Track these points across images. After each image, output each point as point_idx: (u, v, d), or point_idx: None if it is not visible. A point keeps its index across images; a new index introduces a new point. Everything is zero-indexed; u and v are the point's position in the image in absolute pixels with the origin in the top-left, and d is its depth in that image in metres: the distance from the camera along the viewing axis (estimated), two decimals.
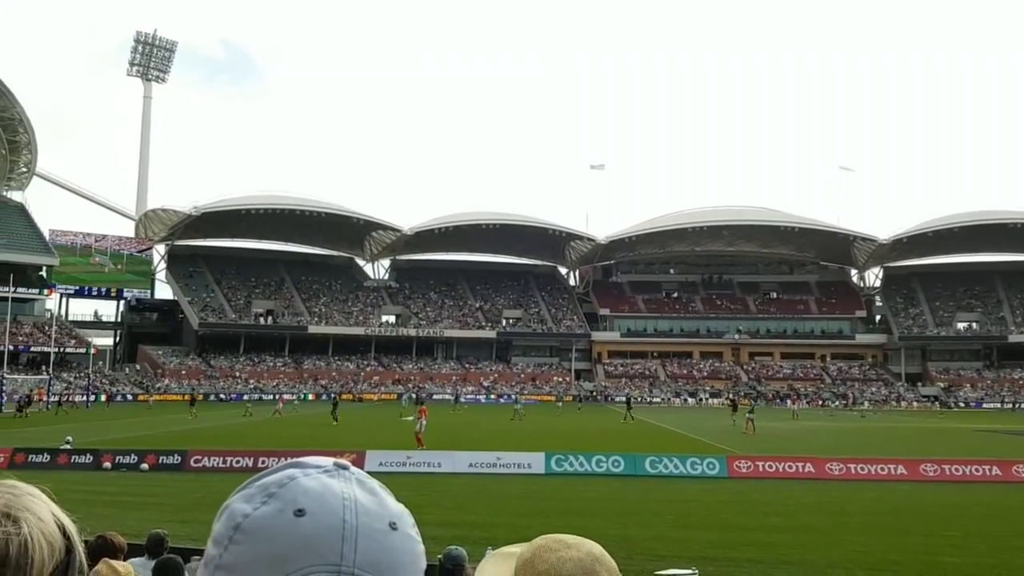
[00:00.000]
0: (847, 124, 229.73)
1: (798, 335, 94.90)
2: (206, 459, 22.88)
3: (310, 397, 77.01)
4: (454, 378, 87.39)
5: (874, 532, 14.95)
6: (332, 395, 63.10)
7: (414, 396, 49.29)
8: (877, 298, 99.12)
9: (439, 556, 6.55)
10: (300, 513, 0.75)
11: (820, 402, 77.53)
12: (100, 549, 4.31)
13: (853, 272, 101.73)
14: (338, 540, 0.74)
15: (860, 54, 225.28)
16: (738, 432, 38.00)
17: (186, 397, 60.69)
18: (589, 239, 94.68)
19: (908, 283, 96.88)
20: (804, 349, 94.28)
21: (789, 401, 68.69)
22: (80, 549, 0.81)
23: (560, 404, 69.62)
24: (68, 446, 24.34)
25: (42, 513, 0.81)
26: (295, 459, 0.83)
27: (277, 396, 64.27)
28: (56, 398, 56.55)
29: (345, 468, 0.80)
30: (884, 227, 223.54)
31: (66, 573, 0.78)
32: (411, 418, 32.79)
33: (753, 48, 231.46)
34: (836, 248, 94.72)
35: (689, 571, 6.46)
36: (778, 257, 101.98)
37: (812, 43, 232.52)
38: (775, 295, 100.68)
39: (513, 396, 72.00)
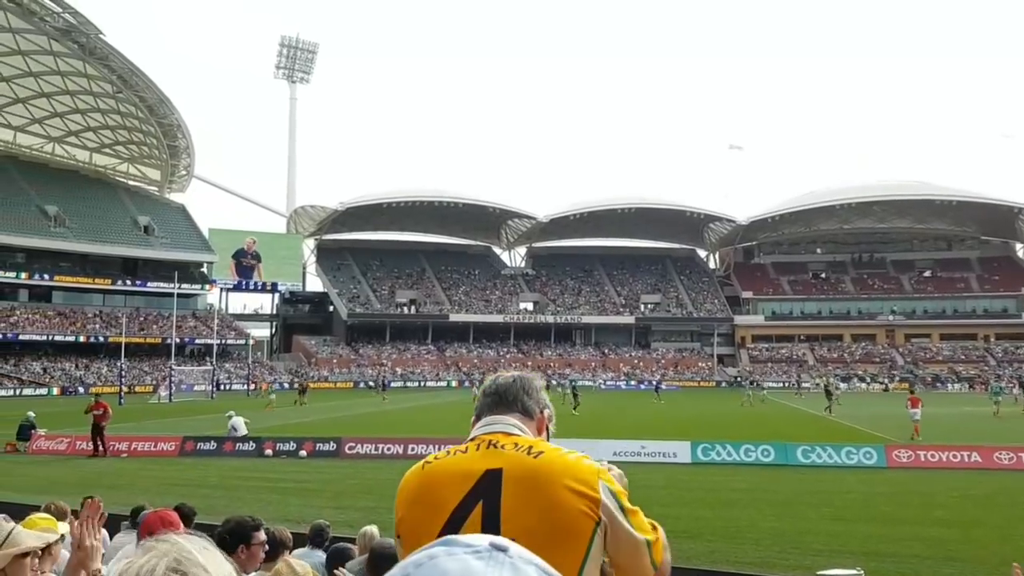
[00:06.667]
0: (1008, 87, 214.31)
1: (958, 315, 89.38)
2: (359, 446, 23.73)
3: (453, 384, 78.63)
4: (593, 364, 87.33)
5: None
6: (476, 380, 64.09)
7: (574, 385, 48.96)
8: None
9: None
10: None
11: (985, 386, 72.89)
12: (272, 543, 4.52)
13: (1019, 247, 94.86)
14: None
15: None
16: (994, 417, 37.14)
17: (303, 384, 63.95)
18: (729, 220, 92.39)
19: None
20: (965, 330, 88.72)
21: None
22: None
23: (759, 393, 54.17)
24: (244, 431, 25.81)
25: (213, 568, 0.77)
26: (451, 536, 0.75)
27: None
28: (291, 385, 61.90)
29: (503, 550, 0.71)
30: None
31: None
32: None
33: (898, 8, 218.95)
34: (999, 221, 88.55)
35: (854, 571, 6.14)
36: (935, 233, 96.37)
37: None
38: (932, 273, 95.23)
39: (653, 382, 71.19)
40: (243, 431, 25.48)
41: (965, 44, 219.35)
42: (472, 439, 1.83)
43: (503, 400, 1.90)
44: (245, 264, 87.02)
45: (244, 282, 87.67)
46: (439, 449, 1.91)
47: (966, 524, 14.18)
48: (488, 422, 1.87)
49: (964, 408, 43.88)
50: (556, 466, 1.69)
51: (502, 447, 1.75)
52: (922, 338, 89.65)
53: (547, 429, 1.96)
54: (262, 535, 3.80)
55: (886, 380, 79.09)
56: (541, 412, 1.94)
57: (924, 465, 21.26)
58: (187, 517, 6.61)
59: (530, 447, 1.74)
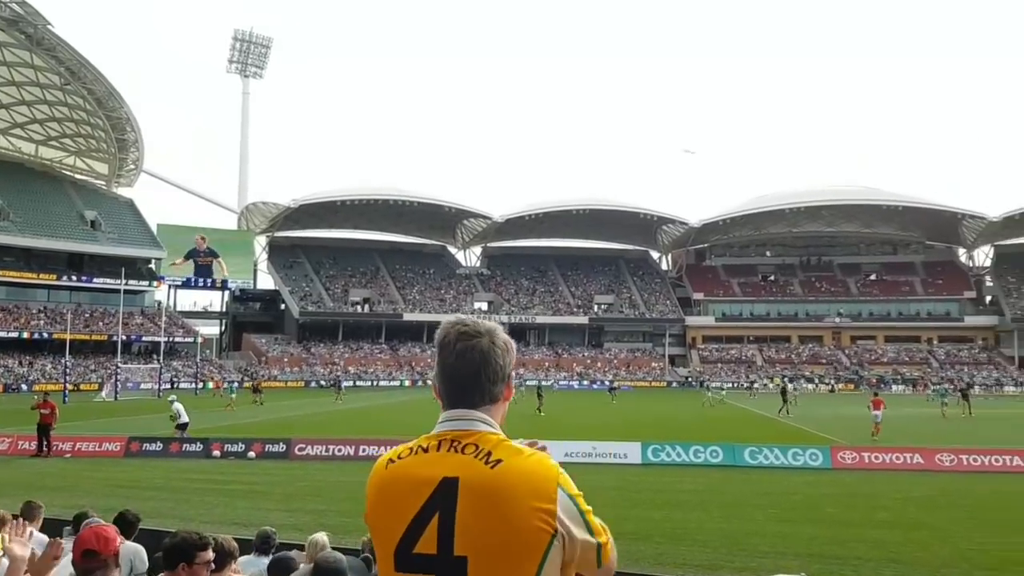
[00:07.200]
0: (957, 95, 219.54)
1: (903, 317, 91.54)
2: (309, 447, 23.47)
3: (407, 383, 78.33)
4: (546, 364, 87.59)
5: (992, 529, 14.25)
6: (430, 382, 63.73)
7: (539, 385, 48.67)
8: (987, 278, 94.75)
9: None
10: None
11: (925, 387, 74.69)
12: (219, 554, 4.41)
13: (961, 251, 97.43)
14: None
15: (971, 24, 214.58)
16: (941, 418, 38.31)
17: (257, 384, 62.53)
18: (682, 223, 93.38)
19: (1021, 262, 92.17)
20: (909, 332, 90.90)
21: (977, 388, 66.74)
22: None
23: (718, 395, 54.95)
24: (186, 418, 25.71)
25: None
26: None
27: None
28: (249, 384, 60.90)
29: None
30: (996, 203, 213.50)
31: None
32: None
33: (839, 19, 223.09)
34: (943, 227, 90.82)
35: None
36: (881, 237, 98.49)
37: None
38: (878, 276, 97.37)
39: (606, 382, 71.64)
40: (185, 418, 25.71)
41: (961, 45, 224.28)
42: (436, 433, 1.80)
43: (465, 395, 1.82)
44: (200, 263, 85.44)
45: (193, 279, 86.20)
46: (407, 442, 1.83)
47: (908, 526, 14.47)
48: (451, 416, 1.81)
49: (906, 409, 44.80)
50: (511, 478, 1.67)
51: (462, 449, 1.74)
52: (867, 340, 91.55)
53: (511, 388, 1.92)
54: (208, 555, 3.66)
55: (832, 381, 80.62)
56: (507, 383, 1.88)
57: (868, 467, 21.67)
58: (131, 524, 6.48)
59: (488, 453, 1.71)
